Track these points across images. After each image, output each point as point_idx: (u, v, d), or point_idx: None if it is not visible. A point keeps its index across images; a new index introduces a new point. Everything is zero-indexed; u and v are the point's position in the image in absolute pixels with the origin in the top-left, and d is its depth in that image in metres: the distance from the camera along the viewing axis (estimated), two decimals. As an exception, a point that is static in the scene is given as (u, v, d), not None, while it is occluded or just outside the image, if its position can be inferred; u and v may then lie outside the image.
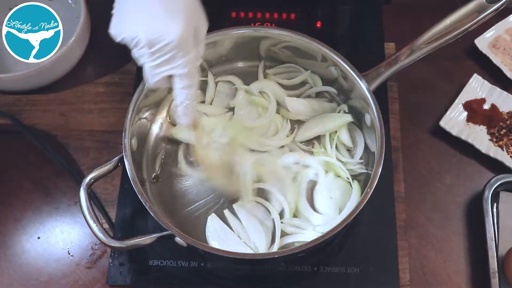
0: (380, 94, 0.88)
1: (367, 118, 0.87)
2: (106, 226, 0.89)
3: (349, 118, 0.91)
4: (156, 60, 0.66)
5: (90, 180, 0.79)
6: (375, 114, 0.82)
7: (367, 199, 0.77)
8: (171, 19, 0.64)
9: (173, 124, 0.94)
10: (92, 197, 0.91)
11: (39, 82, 0.99)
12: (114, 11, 0.67)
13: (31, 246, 0.90)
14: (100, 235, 0.76)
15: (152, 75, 0.69)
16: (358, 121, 0.92)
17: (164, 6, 0.64)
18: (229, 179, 0.87)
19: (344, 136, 0.91)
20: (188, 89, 0.71)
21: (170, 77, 0.70)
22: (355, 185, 0.86)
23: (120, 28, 0.66)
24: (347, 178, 0.87)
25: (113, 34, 0.67)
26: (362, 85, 0.84)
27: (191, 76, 0.70)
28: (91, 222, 0.77)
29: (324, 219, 0.85)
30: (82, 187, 0.78)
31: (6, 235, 0.91)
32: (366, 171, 0.88)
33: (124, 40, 0.66)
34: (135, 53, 0.67)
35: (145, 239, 0.77)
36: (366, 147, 0.90)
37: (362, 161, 0.89)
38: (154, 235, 0.77)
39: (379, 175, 0.78)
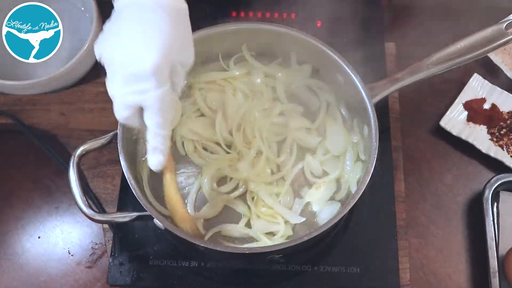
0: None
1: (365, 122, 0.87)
2: (105, 226, 0.89)
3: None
4: (127, 86, 0.65)
5: (82, 151, 0.79)
6: (371, 116, 0.82)
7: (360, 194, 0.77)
8: (147, 50, 0.64)
9: None
10: (92, 196, 0.91)
11: (52, 88, 1.00)
12: (103, 30, 0.68)
13: (31, 245, 0.90)
14: (83, 207, 0.76)
15: (122, 106, 0.67)
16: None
17: (144, 36, 0.64)
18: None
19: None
20: (160, 129, 0.68)
21: (141, 115, 0.68)
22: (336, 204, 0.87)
23: (102, 47, 0.67)
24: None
25: (95, 51, 0.67)
26: (359, 85, 0.84)
27: (163, 114, 0.67)
28: (77, 194, 0.76)
29: None
30: (71, 160, 0.77)
31: (6, 235, 0.91)
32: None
33: (102, 60, 0.66)
34: (108, 77, 0.66)
35: (125, 216, 0.78)
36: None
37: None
38: (134, 214, 0.77)
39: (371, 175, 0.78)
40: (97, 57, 0.67)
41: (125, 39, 0.65)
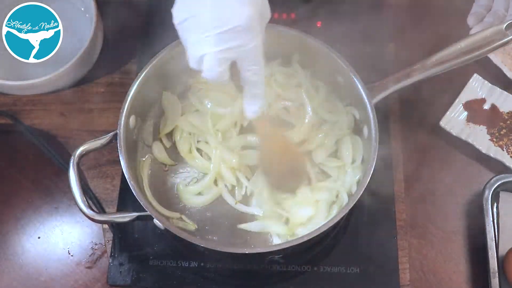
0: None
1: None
2: (105, 226, 0.89)
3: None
4: (221, 43, 0.64)
5: (82, 151, 0.78)
6: (370, 113, 0.82)
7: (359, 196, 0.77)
8: (240, 5, 0.64)
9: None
10: (92, 197, 0.91)
11: (52, 88, 1.00)
12: None
13: (31, 245, 0.90)
14: (83, 207, 0.76)
15: (216, 63, 0.66)
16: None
17: None
18: None
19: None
20: (257, 76, 0.70)
21: (230, 69, 0.69)
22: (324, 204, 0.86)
23: (185, 7, 0.65)
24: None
25: (175, 15, 0.66)
26: (362, 90, 0.84)
27: (259, 63, 0.69)
28: (77, 195, 0.76)
29: None
30: (71, 160, 0.77)
31: (6, 235, 0.91)
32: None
33: (184, 24, 0.65)
34: (197, 38, 0.65)
35: (124, 216, 0.78)
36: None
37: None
38: (134, 214, 0.77)
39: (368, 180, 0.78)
40: (177, 21, 0.66)
41: None
